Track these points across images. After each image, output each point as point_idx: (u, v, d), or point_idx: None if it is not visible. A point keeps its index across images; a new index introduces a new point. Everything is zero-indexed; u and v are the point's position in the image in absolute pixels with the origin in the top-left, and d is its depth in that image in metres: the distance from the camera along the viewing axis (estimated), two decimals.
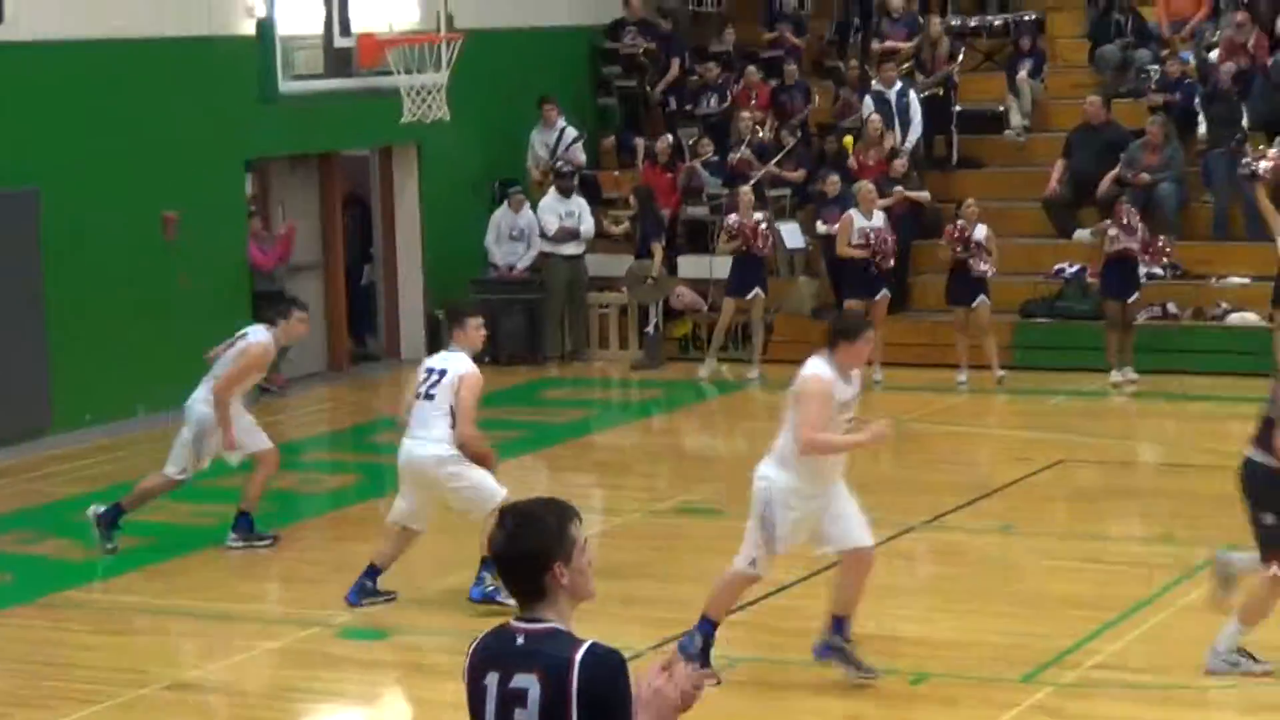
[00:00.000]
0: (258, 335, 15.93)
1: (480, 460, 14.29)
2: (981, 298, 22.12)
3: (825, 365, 12.20)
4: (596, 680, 6.00)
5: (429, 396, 14.03)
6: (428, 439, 13.88)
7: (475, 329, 14.39)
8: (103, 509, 15.86)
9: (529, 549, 6.14)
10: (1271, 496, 12.18)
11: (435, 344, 23.45)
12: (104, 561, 15.61)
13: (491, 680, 6.13)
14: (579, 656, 6.00)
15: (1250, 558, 12.46)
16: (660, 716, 5.98)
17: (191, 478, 16.20)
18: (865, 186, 22.82)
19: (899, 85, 25.29)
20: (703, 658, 12.24)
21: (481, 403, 15.58)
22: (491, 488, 13.85)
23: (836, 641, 12.81)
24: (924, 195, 24.27)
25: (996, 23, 27.19)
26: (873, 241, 22.20)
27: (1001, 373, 21.85)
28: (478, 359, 14.69)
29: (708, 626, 12.47)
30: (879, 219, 22.48)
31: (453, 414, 14.05)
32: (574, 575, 6.15)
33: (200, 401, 15.96)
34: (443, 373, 14.06)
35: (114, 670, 12.82)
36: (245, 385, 16.23)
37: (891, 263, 22.37)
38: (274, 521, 16.92)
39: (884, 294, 22.52)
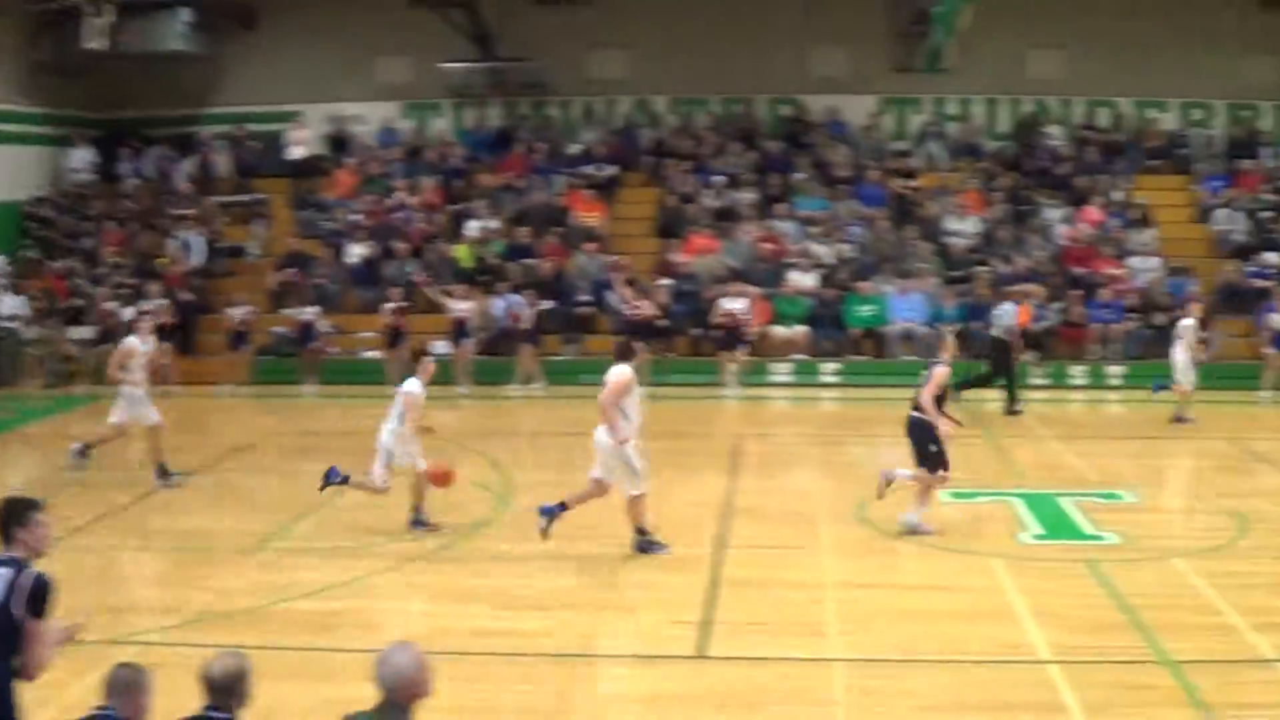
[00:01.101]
0: (410, 386, 14.62)
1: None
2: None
3: (626, 369, 12.20)
4: (36, 587, 6.49)
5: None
6: None
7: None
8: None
9: (11, 517, 6.61)
10: (925, 436, 12.41)
11: None
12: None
13: None
14: (32, 572, 6.49)
15: (903, 471, 12.81)
16: (49, 642, 6.47)
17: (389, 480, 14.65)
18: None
19: (192, 233, 27.40)
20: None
21: None
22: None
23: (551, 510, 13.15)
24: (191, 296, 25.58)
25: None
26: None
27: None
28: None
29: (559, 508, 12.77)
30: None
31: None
32: (32, 539, 6.57)
33: (385, 432, 14.59)
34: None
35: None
36: (419, 418, 14.60)
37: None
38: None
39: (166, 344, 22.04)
